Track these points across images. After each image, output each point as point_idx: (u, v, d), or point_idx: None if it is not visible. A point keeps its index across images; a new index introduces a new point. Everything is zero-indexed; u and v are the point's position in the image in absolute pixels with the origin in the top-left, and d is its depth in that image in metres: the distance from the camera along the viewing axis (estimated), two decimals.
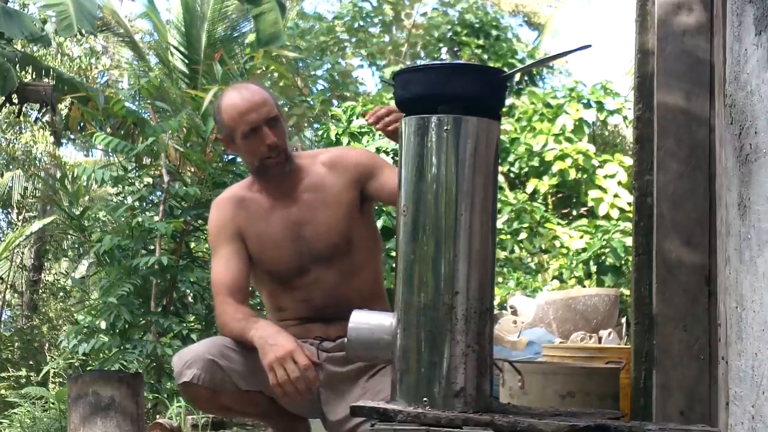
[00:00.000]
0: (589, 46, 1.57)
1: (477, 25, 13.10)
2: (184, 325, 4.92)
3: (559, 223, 9.56)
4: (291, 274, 2.34)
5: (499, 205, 8.98)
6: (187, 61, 8.26)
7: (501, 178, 9.64)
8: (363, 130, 9.68)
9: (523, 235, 9.35)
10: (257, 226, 2.34)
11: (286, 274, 2.34)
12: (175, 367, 2.23)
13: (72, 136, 11.28)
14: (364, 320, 1.60)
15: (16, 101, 7.93)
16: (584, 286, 8.26)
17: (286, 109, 11.06)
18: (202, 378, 2.17)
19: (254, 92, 2.29)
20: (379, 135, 9.61)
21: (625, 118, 10.61)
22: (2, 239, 11.26)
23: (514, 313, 5.97)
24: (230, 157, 5.75)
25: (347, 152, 2.50)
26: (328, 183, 2.33)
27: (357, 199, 2.34)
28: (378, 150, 9.06)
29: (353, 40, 14.60)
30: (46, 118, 8.35)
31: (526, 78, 12.85)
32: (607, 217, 9.44)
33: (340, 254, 2.31)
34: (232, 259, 2.31)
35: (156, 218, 5.00)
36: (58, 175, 8.10)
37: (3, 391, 7.35)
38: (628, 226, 8.08)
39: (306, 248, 2.31)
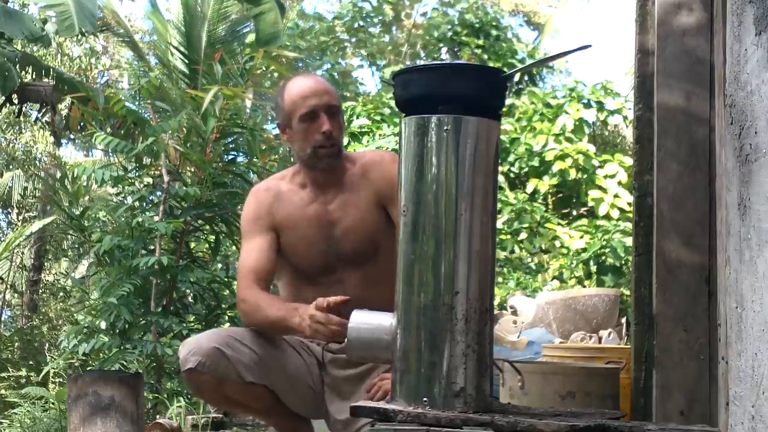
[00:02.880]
0: (589, 46, 1.57)
1: (477, 25, 13.09)
2: (184, 325, 4.91)
3: (559, 223, 9.56)
4: (317, 271, 2.35)
5: (499, 205, 8.97)
6: (187, 61, 8.24)
7: (501, 178, 9.63)
8: (363, 130, 9.68)
9: (523, 235, 9.35)
10: (293, 219, 2.35)
11: (312, 270, 2.36)
12: (180, 356, 2.24)
13: (72, 136, 11.26)
14: (364, 320, 1.61)
15: (16, 101, 7.91)
16: (584, 286, 8.26)
17: None
18: (207, 365, 2.18)
19: (319, 81, 2.39)
20: (380, 135, 9.61)
21: (625, 118, 10.61)
22: (2, 239, 11.26)
23: (514, 313, 5.97)
24: (230, 157, 5.75)
25: (380, 163, 2.38)
26: (360, 187, 2.35)
27: (381, 213, 2.33)
28: (378, 150, 9.05)
29: (353, 40, 14.60)
30: (46, 118, 8.33)
31: (526, 78, 12.85)
32: (607, 217, 9.44)
33: (365, 258, 2.32)
34: (263, 249, 2.32)
35: (156, 218, 4.99)
36: (58, 175, 8.08)
37: (3, 391, 7.34)
38: (628, 226, 8.08)
39: (334, 248, 2.33)
